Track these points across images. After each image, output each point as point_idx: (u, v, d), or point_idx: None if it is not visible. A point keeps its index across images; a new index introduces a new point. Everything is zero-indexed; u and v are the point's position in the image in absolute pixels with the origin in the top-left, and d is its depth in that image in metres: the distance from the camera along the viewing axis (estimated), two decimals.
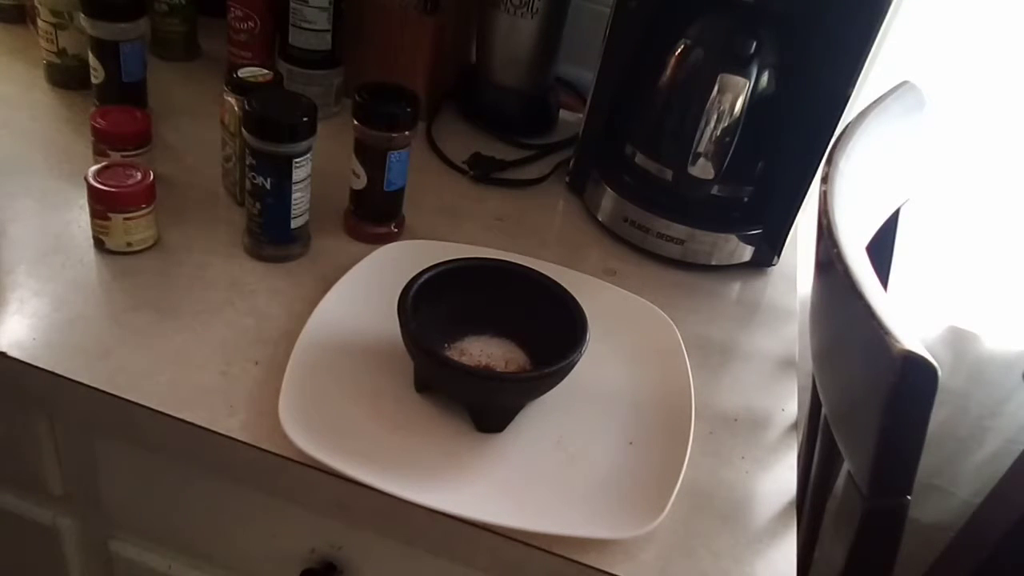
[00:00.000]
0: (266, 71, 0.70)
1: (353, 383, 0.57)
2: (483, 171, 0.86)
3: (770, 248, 0.82)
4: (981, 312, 1.09)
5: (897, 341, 0.47)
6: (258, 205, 0.64)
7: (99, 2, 0.73)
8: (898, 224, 0.84)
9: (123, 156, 0.68)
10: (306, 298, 0.64)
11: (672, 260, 0.79)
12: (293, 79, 0.86)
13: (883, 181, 0.79)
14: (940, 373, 0.46)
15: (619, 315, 0.67)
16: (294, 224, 0.66)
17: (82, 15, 0.74)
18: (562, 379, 0.55)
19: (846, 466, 0.58)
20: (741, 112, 0.70)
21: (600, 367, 0.61)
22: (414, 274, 0.58)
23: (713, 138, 0.71)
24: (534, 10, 0.88)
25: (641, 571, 0.50)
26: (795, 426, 0.64)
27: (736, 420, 0.63)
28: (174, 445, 0.55)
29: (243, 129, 0.62)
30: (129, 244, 0.64)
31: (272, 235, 0.66)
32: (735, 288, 0.80)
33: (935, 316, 1.10)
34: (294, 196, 0.64)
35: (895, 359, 0.46)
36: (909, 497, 0.53)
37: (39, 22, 0.82)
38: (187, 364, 0.57)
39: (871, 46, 0.70)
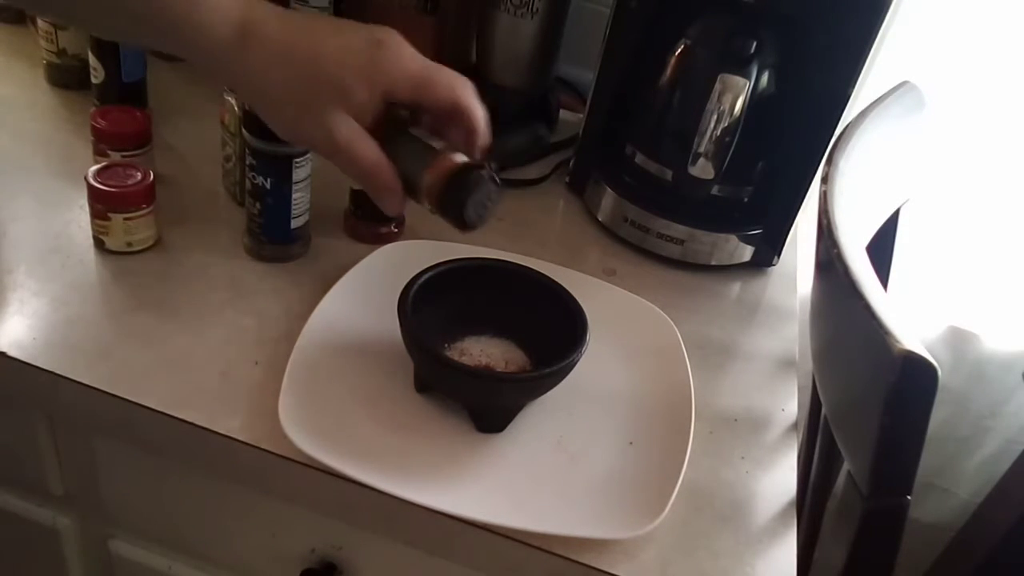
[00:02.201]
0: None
1: (353, 383, 0.57)
2: None
3: (770, 248, 0.82)
4: (981, 312, 1.09)
5: (897, 341, 0.47)
6: (258, 205, 0.64)
7: None
8: (898, 224, 0.84)
9: (123, 156, 0.68)
10: (306, 298, 0.64)
11: (672, 260, 0.79)
12: None
13: (883, 181, 0.79)
14: (940, 373, 0.46)
15: (619, 315, 0.67)
16: (294, 224, 0.66)
17: None
18: (562, 379, 0.55)
19: (846, 466, 0.58)
20: (741, 112, 0.70)
21: (600, 367, 0.61)
22: (414, 274, 0.58)
23: (713, 138, 0.71)
24: (534, 10, 0.88)
25: (641, 571, 0.50)
26: (795, 426, 0.64)
27: (736, 420, 0.63)
28: (174, 445, 0.55)
29: (243, 129, 0.62)
30: (129, 244, 0.64)
31: (272, 235, 0.66)
32: (735, 288, 0.80)
33: (935, 316, 1.10)
34: (294, 196, 0.64)
35: (895, 359, 0.46)
36: (909, 497, 0.53)
37: (39, 22, 0.82)
38: (187, 364, 0.57)
39: (871, 46, 0.70)
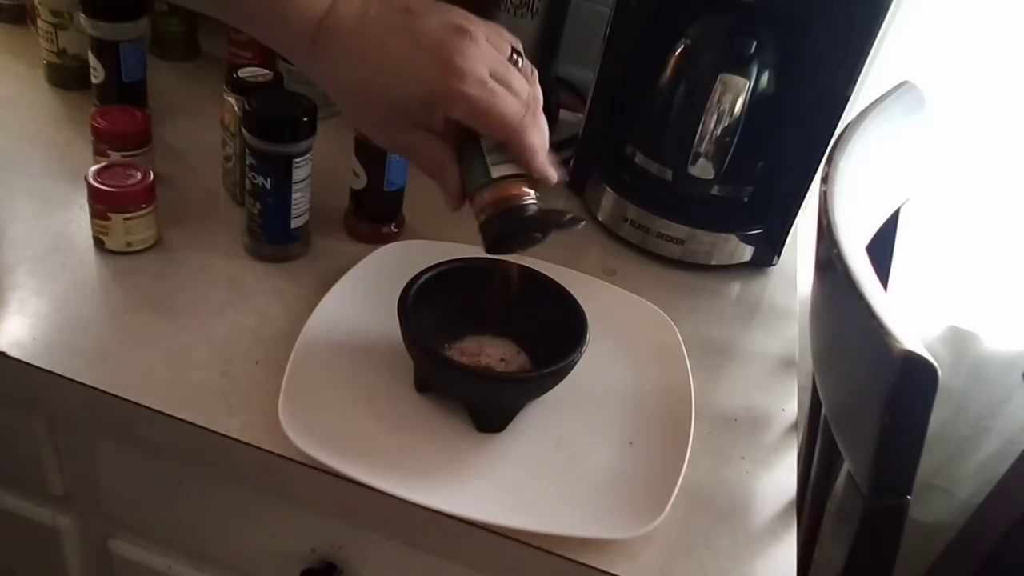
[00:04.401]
0: (266, 71, 0.70)
1: (353, 383, 0.57)
2: None
3: (770, 248, 0.82)
4: (981, 312, 1.09)
5: (897, 341, 0.47)
6: (258, 205, 0.64)
7: (99, 2, 0.73)
8: (898, 224, 0.84)
9: (123, 156, 0.68)
10: (306, 298, 0.64)
11: (672, 260, 0.79)
12: (293, 79, 0.86)
13: (883, 181, 0.79)
14: (940, 373, 0.46)
15: (619, 315, 0.67)
16: (294, 224, 0.66)
17: (82, 15, 0.74)
18: (562, 379, 0.55)
19: (846, 466, 0.58)
20: (741, 112, 0.70)
21: (600, 367, 0.61)
22: (414, 274, 0.58)
23: (713, 138, 0.71)
24: (534, 10, 0.88)
25: (641, 571, 0.50)
26: (795, 426, 0.64)
27: (736, 420, 0.63)
28: (174, 445, 0.55)
29: (243, 129, 0.62)
30: (129, 244, 0.64)
31: (272, 235, 0.66)
32: (735, 288, 0.80)
33: (935, 316, 1.10)
34: (294, 196, 0.64)
35: (895, 359, 0.46)
36: (909, 497, 0.54)
37: (39, 22, 0.82)
38: (187, 364, 0.57)
39: (871, 46, 0.70)
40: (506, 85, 0.47)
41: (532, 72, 0.51)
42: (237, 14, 0.49)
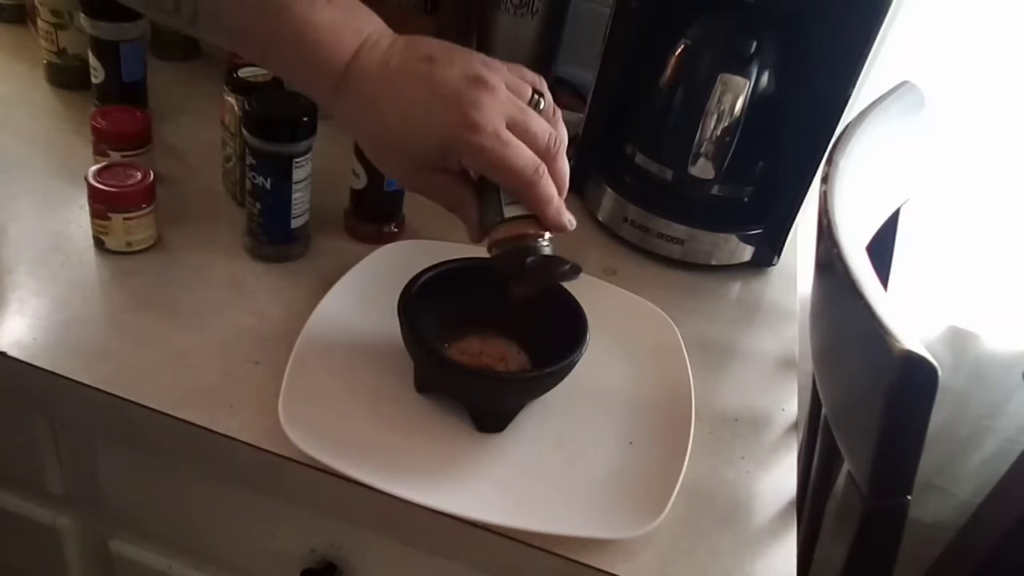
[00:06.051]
0: (266, 71, 0.70)
1: (353, 383, 0.57)
2: None
3: (770, 248, 0.82)
4: (981, 312, 1.09)
5: (897, 341, 0.47)
6: (258, 205, 0.64)
7: (99, 2, 0.73)
8: (898, 224, 0.84)
9: (123, 156, 0.68)
10: (306, 298, 0.64)
11: (672, 260, 0.79)
12: None
13: (883, 181, 0.79)
14: (940, 373, 0.46)
15: (619, 315, 0.67)
16: (294, 224, 0.66)
17: (82, 15, 0.74)
18: (562, 379, 0.55)
19: (846, 466, 0.58)
20: (741, 112, 0.70)
21: (600, 367, 0.61)
22: (414, 274, 0.58)
23: (713, 138, 0.71)
24: (534, 10, 0.88)
25: (641, 571, 0.50)
26: (795, 426, 0.64)
27: (736, 420, 0.63)
28: (174, 445, 0.55)
29: (243, 129, 0.62)
30: (129, 244, 0.64)
31: (272, 235, 0.66)
32: (735, 288, 0.80)
33: (935, 316, 1.10)
34: (294, 196, 0.64)
35: (895, 359, 0.46)
36: (909, 497, 0.54)
37: (39, 22, 0.82)
38: (187, 364, 0.57)
39: (871, 46, 0.70)
40: (523, 133, 0.47)
41: (555, 112, 0.51)
42: (266, 56, 0.49)
